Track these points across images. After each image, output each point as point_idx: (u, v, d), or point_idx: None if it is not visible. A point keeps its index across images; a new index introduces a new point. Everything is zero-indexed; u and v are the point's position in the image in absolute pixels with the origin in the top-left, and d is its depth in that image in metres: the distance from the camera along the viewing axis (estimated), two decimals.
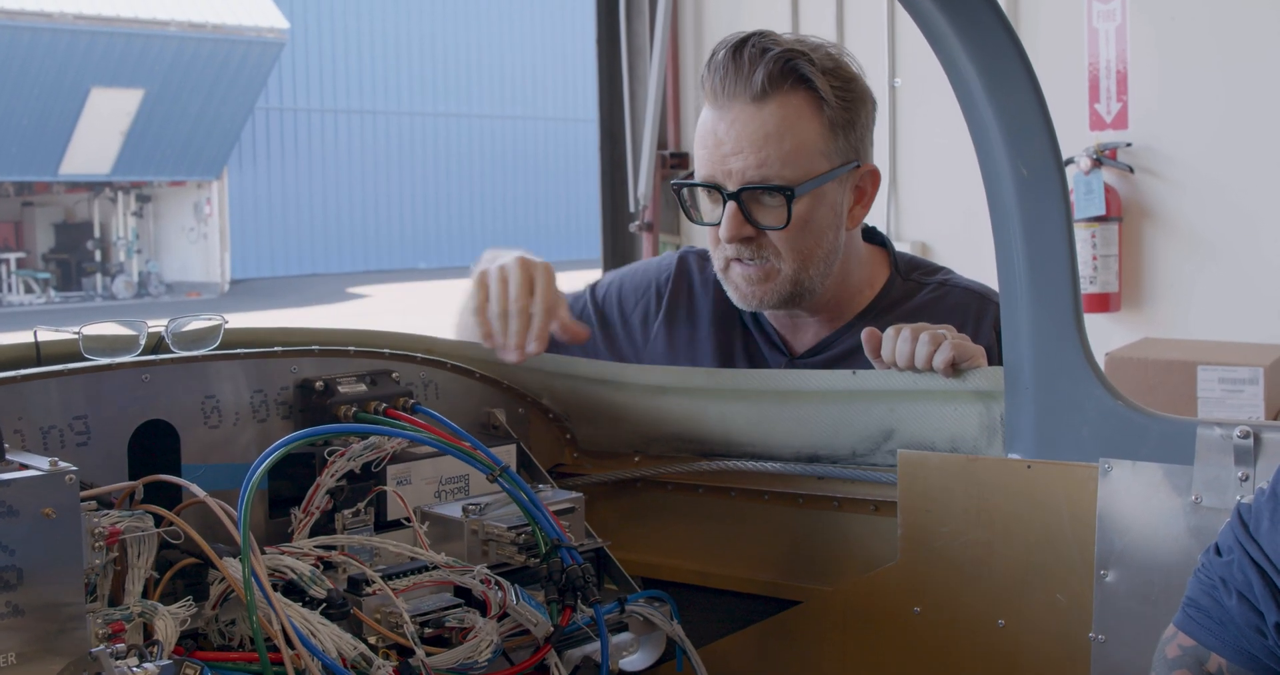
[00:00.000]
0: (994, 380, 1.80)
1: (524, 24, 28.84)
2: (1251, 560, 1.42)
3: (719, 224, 2.09)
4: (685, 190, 2.16)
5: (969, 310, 2.17)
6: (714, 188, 2.09)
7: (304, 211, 27.67)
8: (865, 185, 2.18)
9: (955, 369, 1.82)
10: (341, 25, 27.01)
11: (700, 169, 2.12)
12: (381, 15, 27.22)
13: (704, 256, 2.34)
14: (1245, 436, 1.60)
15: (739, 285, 2.14)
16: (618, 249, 5.38)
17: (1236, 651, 1.44)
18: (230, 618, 1.45)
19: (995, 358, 1.93)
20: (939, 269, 2.30)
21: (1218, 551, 1.49)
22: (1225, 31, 4.03)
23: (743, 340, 2.28)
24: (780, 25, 4.90)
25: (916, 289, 2.25)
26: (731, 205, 2.06)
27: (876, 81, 2.16)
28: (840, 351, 2.20)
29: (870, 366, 1.95)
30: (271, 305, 21.18)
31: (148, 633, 1.33)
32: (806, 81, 2.06)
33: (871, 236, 2.33)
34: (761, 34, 2.08)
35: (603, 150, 5.45)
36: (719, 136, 2.08)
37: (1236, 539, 1.45)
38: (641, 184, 5.22)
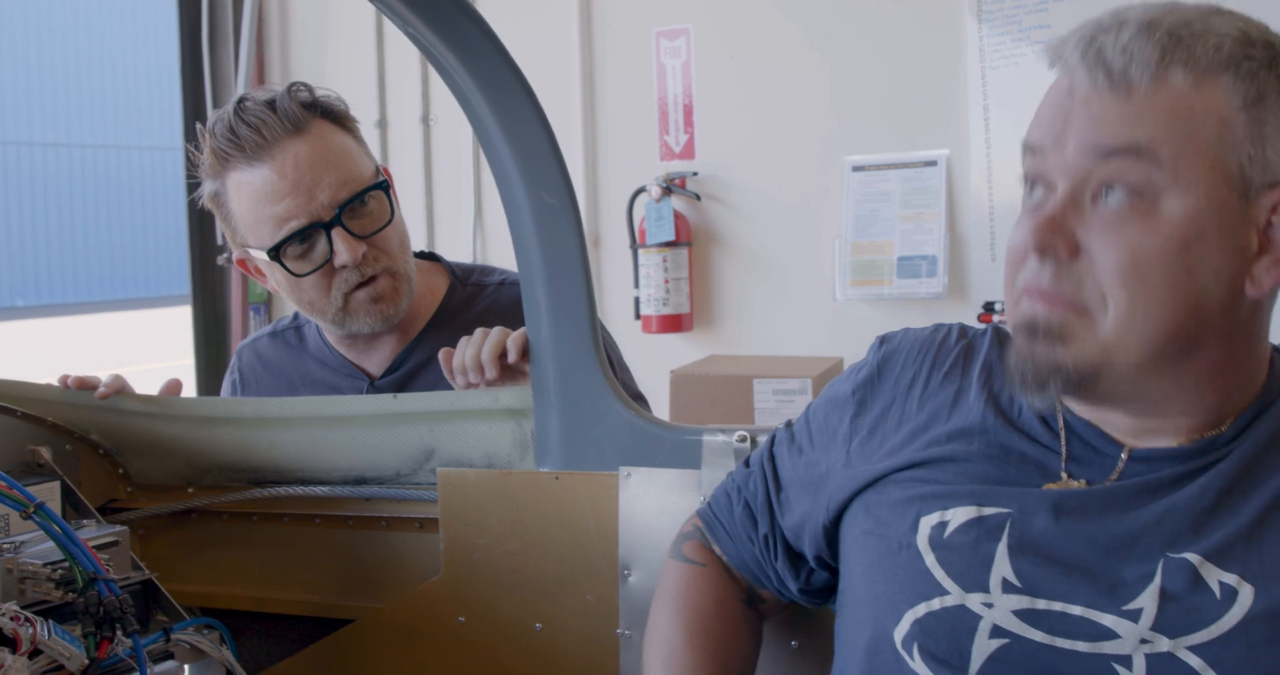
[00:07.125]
0: (524, 399, 1.90)
1: (101, 50, 27.04)
2: (765, 477, 1.60)
3: (328, 262, 2.11)
4: (279, 252, 2.12)
5: None
6: (310, 229, 2.09)
7: None
8: (390, 183, 2.25)
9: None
10: None
11: (279, 227, 2.09)
12: None
13: (255, 342, 2.43)
14: (743, 440, 1.77)
15: (368, 307, 2.16)
16: (207, 282, 5.21)
17: (732, 549, 1.63)
18: None
19: None
20: (494, 270, 2.38)
21: (747, 464, 1.66)
22: (776, 68, 4.34)
23: (319, 380, 2.32)
24: (365, 57, 4.94)
25: (479, 292, 2.32)
26: (338, 230, 2.09)
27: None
28: (413, 366, 2.26)
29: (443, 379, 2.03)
30: None
31: None
32: (323, 111, 2.15)
33: (421, 254, 2.39)
34: (248, 97, 2.14)
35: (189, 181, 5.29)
36: (292, 179, 2.07)
37: (760, 458, 1.63)
38: None
